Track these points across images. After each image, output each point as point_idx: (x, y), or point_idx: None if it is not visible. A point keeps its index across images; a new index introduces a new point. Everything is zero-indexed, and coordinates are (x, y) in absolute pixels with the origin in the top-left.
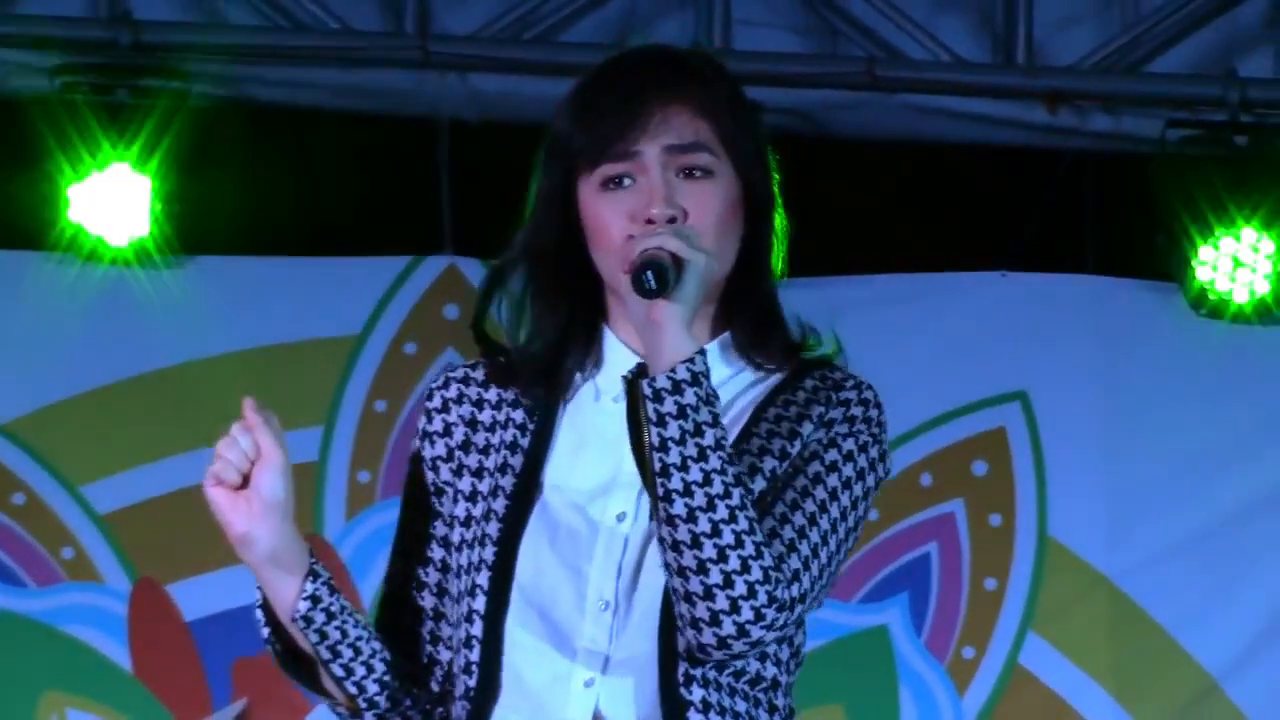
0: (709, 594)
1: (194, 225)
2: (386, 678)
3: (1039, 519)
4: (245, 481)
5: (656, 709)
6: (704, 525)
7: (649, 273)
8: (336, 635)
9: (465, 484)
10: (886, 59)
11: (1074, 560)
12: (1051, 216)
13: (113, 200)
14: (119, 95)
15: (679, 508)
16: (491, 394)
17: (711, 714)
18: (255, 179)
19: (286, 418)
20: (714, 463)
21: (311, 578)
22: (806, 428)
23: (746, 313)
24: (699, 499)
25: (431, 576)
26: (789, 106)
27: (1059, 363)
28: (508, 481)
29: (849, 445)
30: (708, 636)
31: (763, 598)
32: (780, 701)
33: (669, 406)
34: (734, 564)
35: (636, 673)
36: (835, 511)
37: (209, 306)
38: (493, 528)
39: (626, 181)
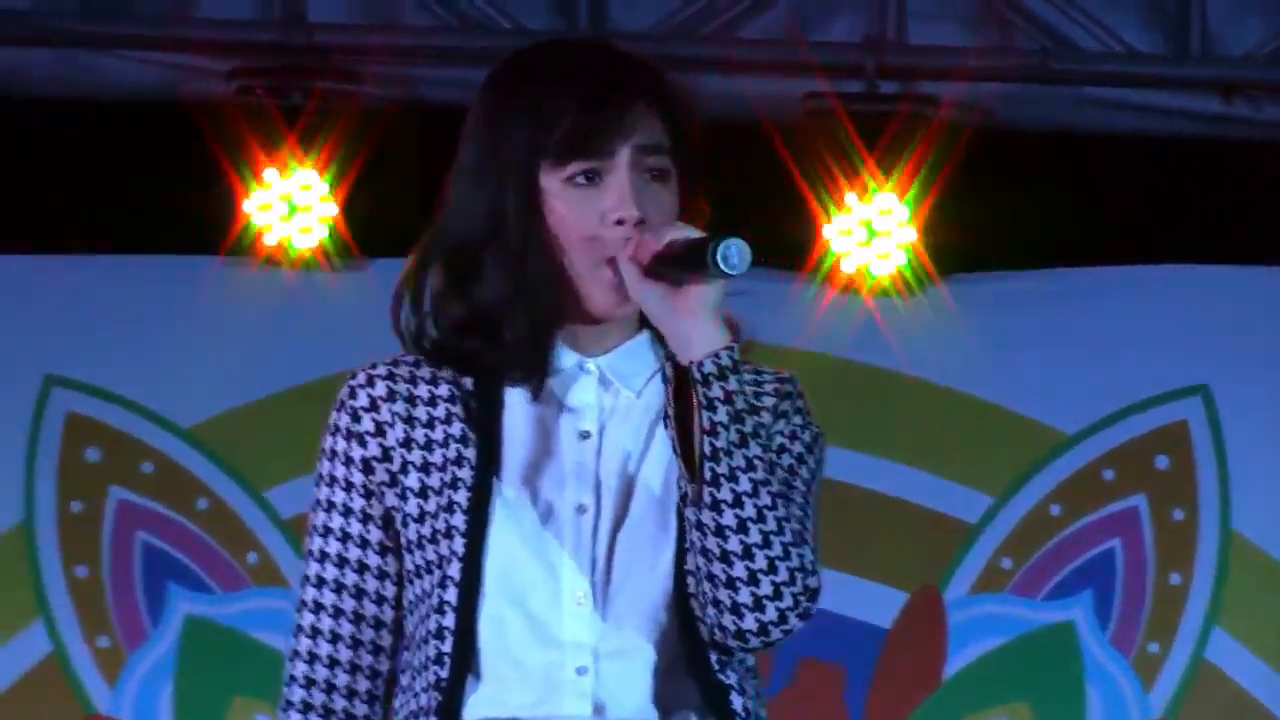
0: (754, 578)
1: (370, 228)
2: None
3: (1222, 513)
4: None
5: (649, 699)
6: (750, 510)
7: (734, 250)
8: None
9: (413, 480)
10: (1059, 51)
11: (1258, 554)
12: (1227, 208)
13: (291, 203)
14: (294, 98)
15: (726, 492)
16: (422, 390)
17: (745, 697)
18: (430, 180)
19: None
20: (755, 448)
21: None
22: (765, 418)
23: None
24: (744, 483)
25: (386, 587)
26: (962, 100)
27: (1239, 355)
28: (465, 474)
29: (806, 437)
30: (749, 622)
31: (800, 585)
32: (759, 689)
33: (716, 391)
34: (777, 549)
35: (630, 662)
36: (813, 503)
37: (386, 309)
38: (458, 519)
39: (594, 178)
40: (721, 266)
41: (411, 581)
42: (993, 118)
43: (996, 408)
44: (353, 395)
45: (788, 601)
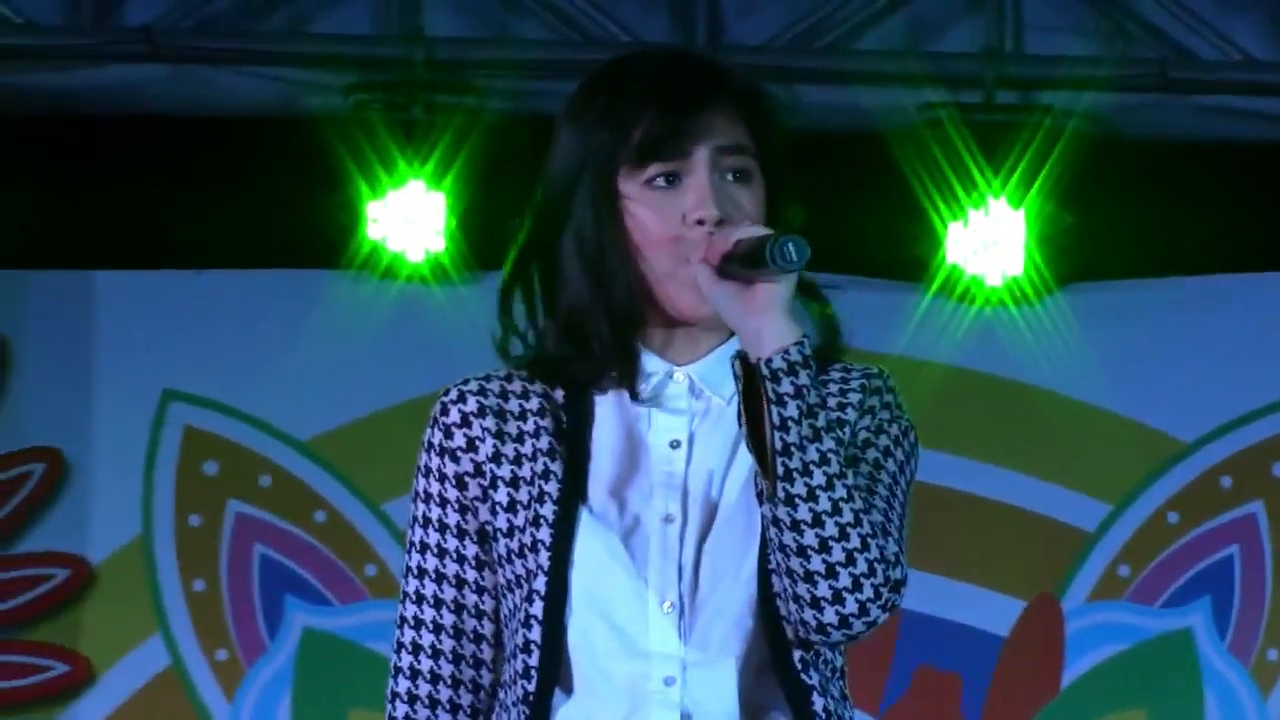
0: (832, 571)
1: (489, 241)
2: None
3: None
4: None
5: (736, 706)
6: (824, 503)
7: (790, 245)
8: None
9: (502, 495)
10: (1178, 60)
11: None
12: None
13: (408, 217)
14: (412, 112)
15: (799, 486)
16: (513, 404)
17: (826, 698)
18: None
19: None
20: (828, 442)
21: None
22: (850, 415)
23: None
24: (818, 477)
25: (485, 601)
26: (1082, 110)
27: None
28: (552, 487)
29: (894, 430)
30: (829, 615)
31: (880, 576)
32: (846, 690)
33: (786, 387)
34: (855, 541)
35: (716, 670)
36: (900, 495)
37: None
38: (544, 533)
39: (673, 180)
40: (778, 261)
41: (504, 595)
42: (1111, 127)
43: (1114, 416)
44: (444, 411)
45: (868, 593)
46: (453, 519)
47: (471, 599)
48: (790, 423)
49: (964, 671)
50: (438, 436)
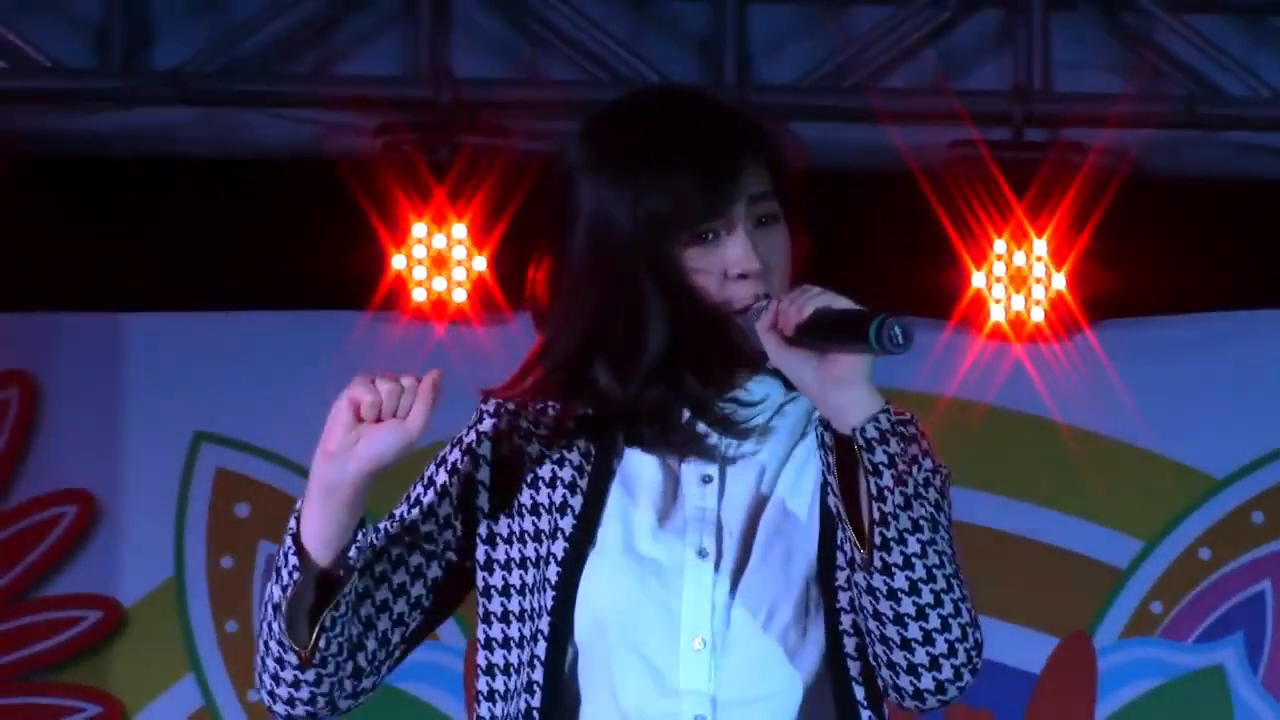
0: (929, 639)
1: (517, 282)
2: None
3: None
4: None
5: None
6: (920, 571)
7: (898, 329)
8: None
9: (515, 524)
10: (1206, 96)
11: None
12: None
13: (436, 258)
14: (441, 153)
15: (896, 555)
16: (543, 430)
17: None
18: None
19: None
20: (919, 509)
21: (363, 529)
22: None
23: None
24: (913, 545)
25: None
26: (1109, 146)
27: None
28: (567, 523)
29: (938, 481)
30: (927, 681)
31: (971, 640)
32: None
33: (880, 456)
34: (949, 607)
35: (750, 713)
36: (953, 547)
37: None
38: (552, 572)
39: (712, 236)
40: (887, 346)
41: (508, 625)
42: (1140, 164)
43: (1145, 452)
44: (480, 419)
45: (962, 658)
46: (444, 509)
47: (426, 529)
48: (887, 492)
49: (996, 709)
50: (469, 436)
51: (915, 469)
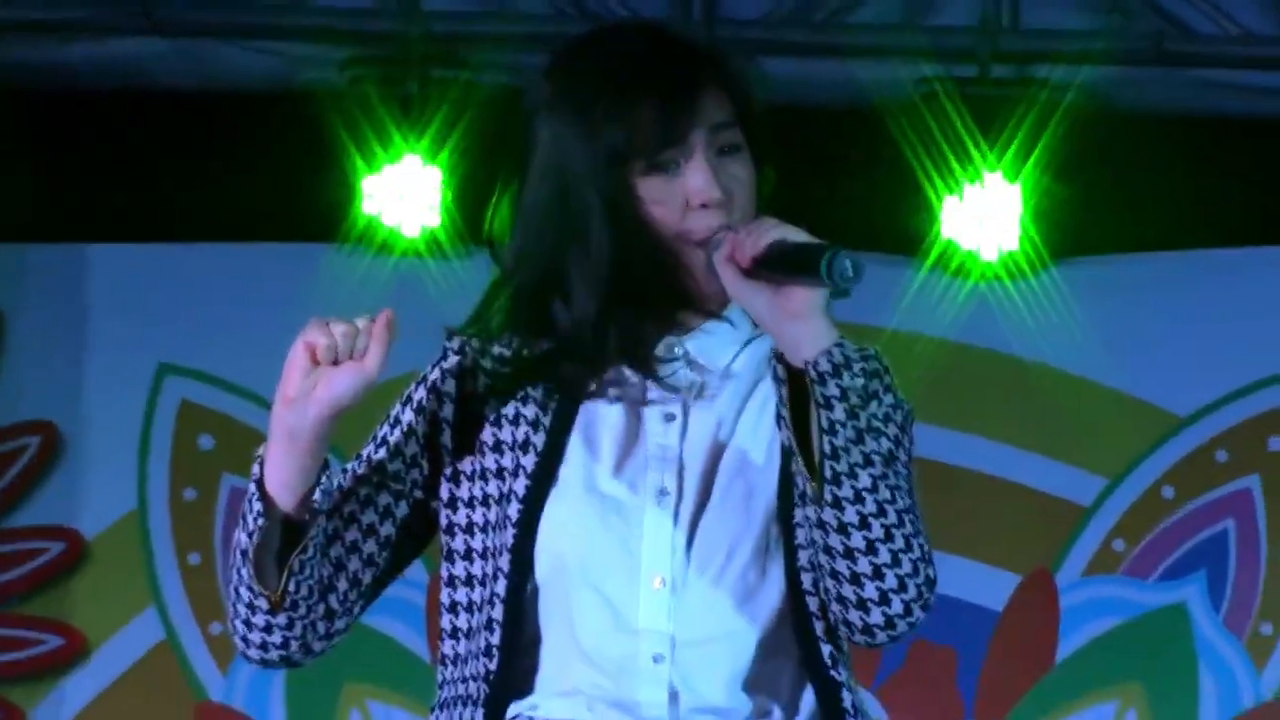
0: (878, 573)
1: (484, 215)
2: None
3: None
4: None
5: (735, 688)
6: (870, 505)
7: (848, 262)
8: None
9: (478, 462)
10: (1174, 33)
11: None
12: None
13: (404, 191)
14: (408, 86)
15: (846, 489)
16: (508, 369)
17: (853, 693)
18: None
19: None
20: (871, 443)
21: (327, 471)
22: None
23: None
24: (864, 479)
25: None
26: (1078, 83)
27: None
28: (529, 460)
29: (899, 417)
30: (876, 616)
31: (922, 575)
32: (853, 672)
33: (833, 390)
34: (899, 542)
35: (711, 650)
36: (913, 483)
37: None
38: (513, 509)
39: (673, 166)
40: (836, 280)
41: (454, 561)
42: (1107, 101)
43: (1109, 390)
44: (444, 357)
45: (911, 593)
46: (410, 448)
47: (392, 468)
48: (838, 426)
49: (959, 646)
50: (433, 374)
51: (875, 403)
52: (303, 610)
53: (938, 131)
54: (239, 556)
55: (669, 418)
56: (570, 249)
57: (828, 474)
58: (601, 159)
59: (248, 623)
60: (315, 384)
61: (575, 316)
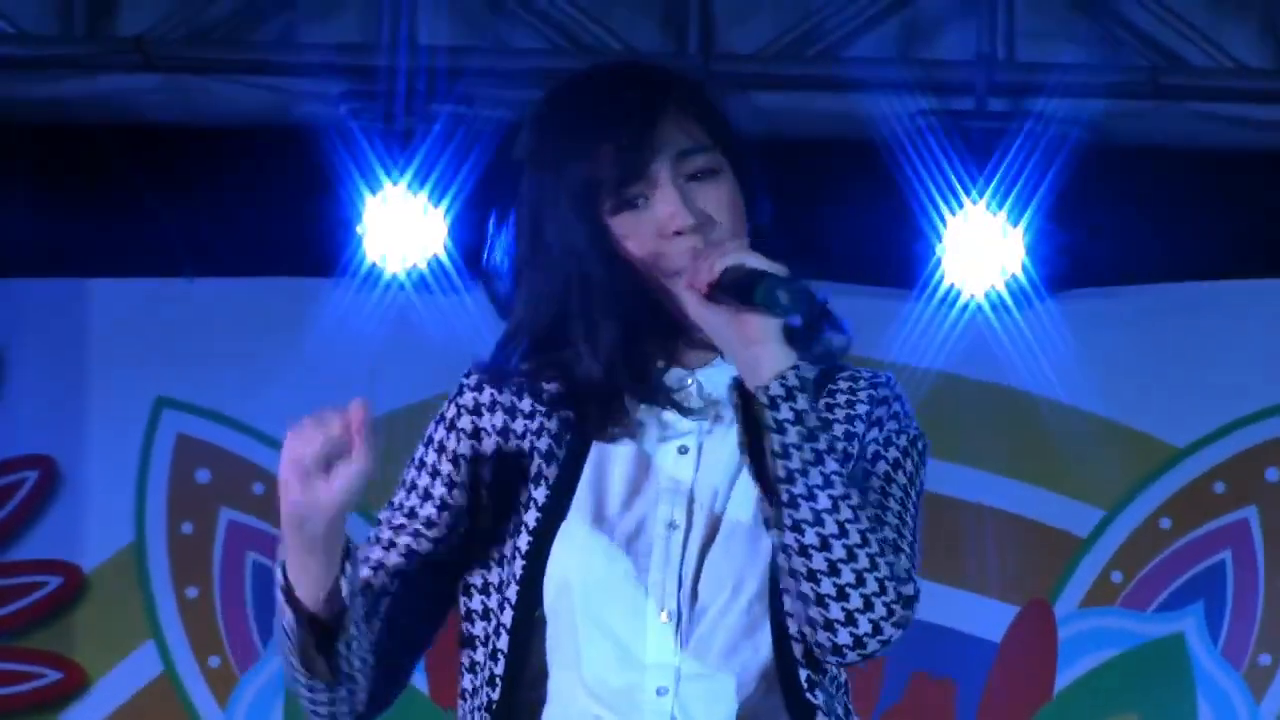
0: (842, 594)
1: (482, 248)
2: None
3: None
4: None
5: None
6: (830, 526)
7: (780, 293)
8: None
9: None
10: (1170, 67)
11: None
12: None
13: (401, 225)
14: (404, 121)
15: (805, 511)
16: (525, 403)
17: (830, 717)
18: None
19: None
20: (831, 465)
21: (349, 556)
22: (859, 428)
23: None
24: (823, 501)
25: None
26: (1072, 117)
27: None
28: (540, 493)
29: (903, 441)
30: (844, 637)
31: (892, 594)
32: (851, 705)
33: (786, 413)
34: (863, 561)
35: (713, 684)
36: (911, 508)
37: (495, 327)
38: (523, 541)
39: (641, 200)
40: (771, 308)
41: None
42: (1103, 134)
43: (1106, 421)
44: (460, 393)
45: (880, 612)
46: (438, 490)
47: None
48: (792, 449)
49: (958, 678)
50: (450, 412)
51: (828, 426)
52: (360, 680)
53: (934, 164)
54: (284, 646)
55: (683, 450)
56: (571, 292)
57: (784, 497)
58: (574, 204)
59: (307, 700)
60: (317, 495)
61: (585, 355)
